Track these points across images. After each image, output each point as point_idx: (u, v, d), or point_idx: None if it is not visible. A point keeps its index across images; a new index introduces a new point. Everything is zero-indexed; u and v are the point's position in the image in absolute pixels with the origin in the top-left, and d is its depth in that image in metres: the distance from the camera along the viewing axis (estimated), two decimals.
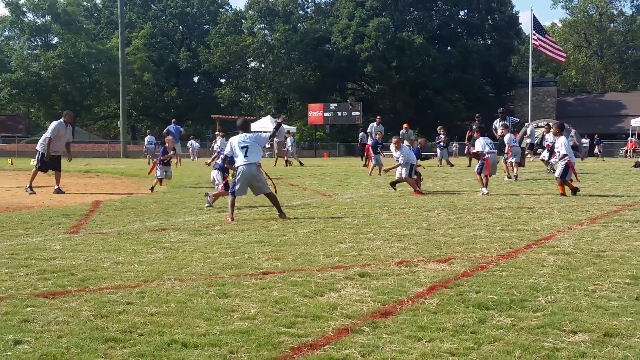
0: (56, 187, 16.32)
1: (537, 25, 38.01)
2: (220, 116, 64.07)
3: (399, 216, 10.72)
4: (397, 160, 15.33)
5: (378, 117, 29.21)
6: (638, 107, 61.36)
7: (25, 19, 79.39)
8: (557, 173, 14.08)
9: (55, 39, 79.56)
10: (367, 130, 28.00)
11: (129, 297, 5.40)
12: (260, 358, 4.00)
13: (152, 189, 16.22)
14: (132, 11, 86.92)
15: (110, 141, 70.23)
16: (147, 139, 35.32)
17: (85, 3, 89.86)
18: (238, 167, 10.65)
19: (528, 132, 27.50)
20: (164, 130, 31.82)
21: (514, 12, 78.15)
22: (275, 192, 11.01)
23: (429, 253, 7.30)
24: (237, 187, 10.58)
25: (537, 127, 38.84)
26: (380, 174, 21.41)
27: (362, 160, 30.97)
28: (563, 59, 41.36)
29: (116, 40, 65.66)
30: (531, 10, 36.74)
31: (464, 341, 4.29)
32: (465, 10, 77.23)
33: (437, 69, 69.34)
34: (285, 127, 48.52)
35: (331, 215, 10.96)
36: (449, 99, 69.97)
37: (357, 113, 63.34)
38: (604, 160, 34.15)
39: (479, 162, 15.01)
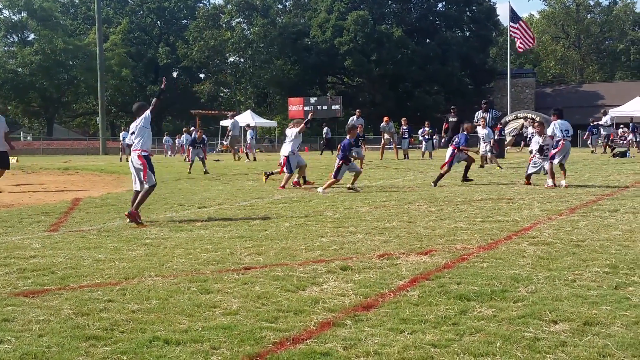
0: None
1: (514, 16, 38.22)
2: (200, 111, 63.82)
3: (380, 209, 10.74)
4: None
5: (357, 110, 29.22)
6: (615, 97, 61.76)
7: (1, 16, 78.58)
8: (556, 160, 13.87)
9: (32, 36, 78.74)
10: (347, 124, 27.96)
11: (110, 294, 5.38)
12: (243, 353, 4.00)
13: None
14: (109, 6, 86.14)
15: (89, 138, 69.72)
16: (122, 134, 35.29)
17: None
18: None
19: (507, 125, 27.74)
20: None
21: (491, 3, 78.31)
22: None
23: (410, 245, 7.32)
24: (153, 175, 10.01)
25: (517, 117, 39.03)
26: (361, 167, 21.40)
27: (321, 154, 30.85)
28: (531, 45, 41.35)
29: (93, 36, 65.08)
30: (509, 1, 36.93)
31: (446, 332, 4.32)
32: (443, 3, 77.27)
33: (416, 62, 69.39)
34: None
35: (312, 209, 10.96)
36: (429, 91, 70.06)
37: (337, 107, 63.24)
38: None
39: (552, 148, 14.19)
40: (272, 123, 64.35)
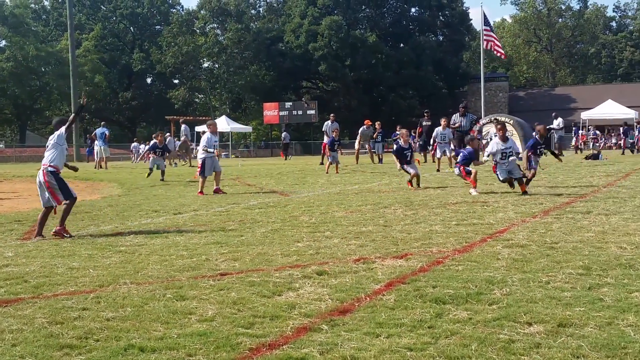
0: None
1: (487, 21, 38.55)
2: (175, 117, 63.52)
3: (356, 213, 10.76)
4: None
5: (332, 114, 29.25)
6: (587, 100, 62.45)
7: None
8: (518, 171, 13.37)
9: (3, 42, 77.87)
10: (323, 129, 27.99)
11: (84, 302, 5.33)
12: None
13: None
14: (81, 12, 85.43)
15: None
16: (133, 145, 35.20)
17: (33, 5, 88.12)
18: None
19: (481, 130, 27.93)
20: (93, 134, 32.74)
21: (464, 8, 78.90)
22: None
23: (386, 249, 7.34)
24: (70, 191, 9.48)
25: (491, 121, 39.32)
26: (337, 172, 21.47)
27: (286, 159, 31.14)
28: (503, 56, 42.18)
29: (66, 42, 64.45)
30: (481, 6, 37.26)
31: (422, 336, 4.33)
32: (417, 7, 77.70)
33: (391, 66, 69.69)
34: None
35: (288, 214, 10.95)
36: (403, 95, 70.39)
37: (312, 111, 63.36)
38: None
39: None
40: (248, 128, 64.18)
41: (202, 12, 76.27)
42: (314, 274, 6.18)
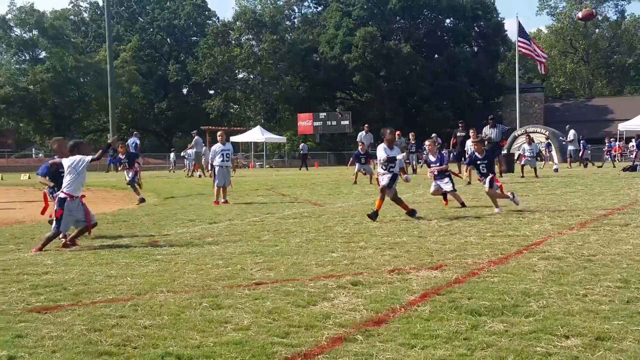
0: None
1: (522, 31, 38.33)
2: (210, 127, 64.03)
3: (390, 224, 10.74)
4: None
5: (366, 125, 29.23)
6: (624, 111, 61.63)
7: (13, 34, 79.28)
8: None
9: (43, 53, 79.40)
10: (357, 140, 28.00)
11: (122, 310, 5.39)
12: None
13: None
14: (119, 24, 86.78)
15: None
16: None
17: (72, 17, 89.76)
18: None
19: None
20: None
21: (499, 19, 78.50)
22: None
23: (420, 260, 7.32)
24: (61, 222, 9.03)
25: (525, 132, 39.00)
26: (371, 182, 21.45)
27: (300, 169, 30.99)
28: (544, 62, 41.65)
29: (104, 53, 65.53)
30: (516, 17, 37.10)
31: (457, 348, 4.31)
32: (451, 18, 77.51)
33: (425, 77, 69.54)
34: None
35: (323, 224, 10.97)
36: (437, 106, 70.14)
37: (346, 122, 63.53)
38: (593, 165, 34.36)
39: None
40: (282, 139, 64.50)
41: (237, 23, 77.00)
42: (348, 284, 6.18)
